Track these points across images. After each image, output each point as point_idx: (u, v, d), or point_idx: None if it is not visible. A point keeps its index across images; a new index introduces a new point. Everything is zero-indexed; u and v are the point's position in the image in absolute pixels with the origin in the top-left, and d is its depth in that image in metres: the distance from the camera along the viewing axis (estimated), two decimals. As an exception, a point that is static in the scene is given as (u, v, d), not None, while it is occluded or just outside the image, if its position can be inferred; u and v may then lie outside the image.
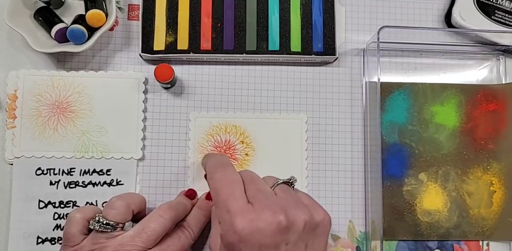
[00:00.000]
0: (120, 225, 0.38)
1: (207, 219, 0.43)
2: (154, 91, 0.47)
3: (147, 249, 0.37)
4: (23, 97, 0.45)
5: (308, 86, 0.49)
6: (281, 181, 0.36)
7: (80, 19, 0.45)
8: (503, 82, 0.50)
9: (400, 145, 0.48)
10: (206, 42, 0.47)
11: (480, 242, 0.48)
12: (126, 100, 0.46)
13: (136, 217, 0.41)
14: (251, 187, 0.34)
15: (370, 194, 0.46)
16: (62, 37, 0.44)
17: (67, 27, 0.44)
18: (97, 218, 0.37)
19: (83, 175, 0.45)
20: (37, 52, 0.44)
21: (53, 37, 0.45)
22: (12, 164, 0.45)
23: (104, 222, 0.37)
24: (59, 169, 0.45)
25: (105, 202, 0.45)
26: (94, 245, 0.37)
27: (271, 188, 0.35)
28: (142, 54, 0.46)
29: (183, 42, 0.46)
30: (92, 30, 0.45)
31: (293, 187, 0.36)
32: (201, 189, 0.46)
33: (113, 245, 0.36)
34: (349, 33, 0.50)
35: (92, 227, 0.37)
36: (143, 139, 0.46)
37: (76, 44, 0.44)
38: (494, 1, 0.50)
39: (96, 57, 0.47)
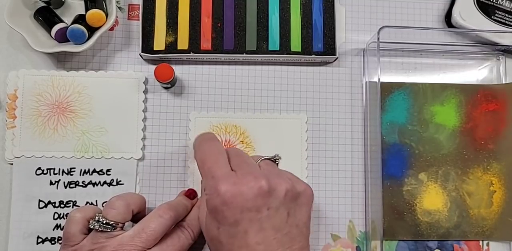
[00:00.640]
0: (120, 225, 0.38)
1: None
2: (154, 91, 0.47)
3: (147, 249, 0.37)
4: (23, 97, 0.45)
5: (308, 86, 0.49)
6: (265, 157, 0.39)
7: (80, 19, 0.45)
8: (503, 82, 0.50)
9: (400, 144, 0.48)
10: (206, 42, 0.47)
11: (480, 242, 0.48)
12: (126, 100, 0.46)
13: (136, 217, 0.41)
14: (236, 159, 0.36)
15: (370, 194, 0.46)
16: (62, 37, 0.44)
17: (67, 27, 0.44)
18: (97, 218, 0.37)
19: (83, 174, 0.45)
20: (37, 52, 0.44)
21: (53, 37, 0.45)
22: (12, 164, 0.45)
23: (104, 222, 0.37)
24: (59, 169, 0.45)
25: (105, 202, 0.45)
26: (94, 244, 0.37)
27: (256, 162, 0.38)
28: (142, 54, 0.46)
29: (183, 42, 0.46)
30: (92, 30, 0.45)
31: (277, 164, 0.39)
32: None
33: (112, 244, 0.36)
34: (349, 33, 0.50)
35: (92, 227, 0.37)
36: (143, 138, 0.46)
37: (76, 44, 0.44)
38: (494, 1, 0.50)
39: (96, 57, 0.47)
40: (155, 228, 0.37)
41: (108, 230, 0.37)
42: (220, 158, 0.36)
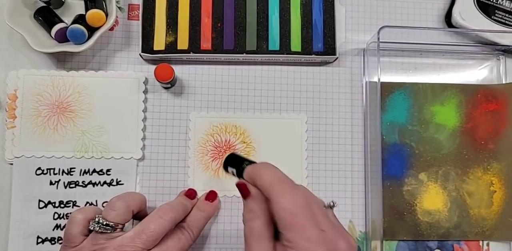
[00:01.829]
0: (120, 226, 0.38)
1: (207, 220, 0.43)
2: (154, 91, 0.47)
3: (147, 250, 0.37)
4: (23, 97, 0.45)
5: (308, 86, 0.49)
6: (329, 205, 0.36)
7: (80, 19, 0.45)
8: (503, 82, 0.50)
9: (400, 145, 0.48)
10: (206, 42, 0.47)
11: (480, 242, 0.48)
12: (126, 100, 0.46)
13: (138, 216, 0.41)
14: (317, 212, 0.33)
15: (370, 194, 0.46)
16: (62, 37, 0.44)
17: (67, 27, 0.44)
18: (97, 219, 0.37)
19: (83, 174, 0.45)
20: (37, 52, 0.44)
21: (53, 37, 0.45)
22: (12, 164, 0.45)
23: (104, 223, 0.37)
24: (59, 169, 0.45)
25: (105, 202, 0.45)
26: (94, 246, 0.37)
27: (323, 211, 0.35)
28: (142, 54, 0.46)
29: (183, 42, 0.46)
30: (92, 30, 0.45)
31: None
32: (201, 188, 0.46)
33: (112, 246, 0.36)
34: (349, 33, 0.50)
35: (92, 228, 0.37)
36: (143, 138, 0.46)
37: (76, 44, 0.44)
38: (494, 1, 0.50)
39: (96, 57, 0.47)
40: (155, 229, 0.37)
41: (108, 231, 0.37)
42: (308, 214, 0.32)
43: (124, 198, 0.40)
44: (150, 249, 0.37)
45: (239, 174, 0.36)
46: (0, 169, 0.45)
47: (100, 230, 0.37)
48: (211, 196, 0.45)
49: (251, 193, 0.34)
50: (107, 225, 0.37)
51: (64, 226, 0.44)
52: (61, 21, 0.46)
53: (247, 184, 0.35)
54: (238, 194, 0.46)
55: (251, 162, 0.36)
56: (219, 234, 0.46)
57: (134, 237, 0.37)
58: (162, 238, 0.38)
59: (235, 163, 0.37)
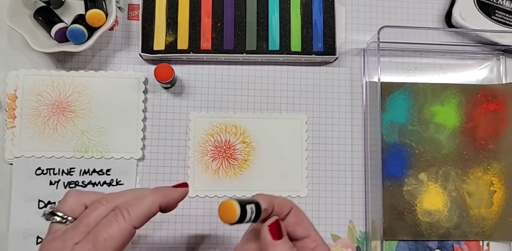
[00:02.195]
0: (70, 219, 0.33)
1: (154, 210, 0.33)
2: (154, 91, 0.47)
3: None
4: (23, 97, 0.45)
5: (308, 86, 0.49)
6: None
7: (80, 19, 0.45)
8: (503, 82, 0.50)
9: (400, 144, 0.48)
10: (206, 42, 0.47)
11: (480, 242, 0.48)
12: (126, 100, 0.46)
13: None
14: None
15: (370, 194, 0.46)
16: (62, 37, 0.44)
17: (67, 27, 0.44)
18: (48, 209, 0.34)
19: (83, 175, 0.45)
20: (37, 52, 0.44)
21: (53, 37, 0.45)
22: (12, 164, 0.45)
23: (55, 212, 0.33)
24: (59, 169, 0.45)
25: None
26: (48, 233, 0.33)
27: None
28: (142, 54, 0.46)
29: (183, 42, 0.46)
30: (92, 30, 0.45)
31: None
32: (201, 189, 0.46)
33: (50, 241, 0.31)
34: (349, 33, 0.50)
35: (46, 218, 0.33)
36: (143, 139, 0.46)
37: (76, 44, 0.44)
38: (494, 1, 0.50)
39: (96, 57, 0.47)
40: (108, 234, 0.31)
41: (58, 221, 0.33)
42: None
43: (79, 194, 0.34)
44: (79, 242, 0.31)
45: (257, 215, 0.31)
46: (0, 169, 0.45)
47: (51, 220, 0.33)
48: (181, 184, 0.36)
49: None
50: (56, 215, 0.33)
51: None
52: (61, 21, 0.46)
53: (280, 223, 0.32)
54: (238, 194, 0.46)
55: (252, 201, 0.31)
56: (219, 234, 0.46)
57: (75, 232, 0.31)
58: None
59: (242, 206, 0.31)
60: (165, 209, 0.34)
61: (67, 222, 0.33)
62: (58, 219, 0.33)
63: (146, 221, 0.32)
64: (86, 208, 0.33)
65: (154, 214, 0.33)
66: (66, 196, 0.34)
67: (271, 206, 0.32)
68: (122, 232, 0.30)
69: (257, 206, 0.31)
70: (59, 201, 0.34)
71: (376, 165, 0.45)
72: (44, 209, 0.33)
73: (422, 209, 0.47)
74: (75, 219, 0.33)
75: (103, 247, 0.30)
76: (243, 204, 0.30)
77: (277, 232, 0.31)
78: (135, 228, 0.32)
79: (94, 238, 0.30)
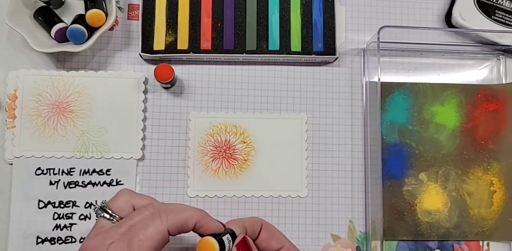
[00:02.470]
0: (117, 218, 0.34)
1: (190, 223, 0.33)
2: (154, 91, 0.47)
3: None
4: (23, 97, 0.45)
5: (308, 86, 0.49)
6: None
7: (80, 19, 0.45)
8: (503, 82, 0.50)
9: (400, 144, 0.48)
10: (206, 42, 0.47)
11: (480, 242, 0.48)
12: (126, 100, 0.46)
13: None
14: None
15: (370, 194, 0.46)
16: (62, 37, 0.44)
17: (67, 27, 0.44)
18: (101, 205, 0.35)
19: (83, 175, 0.45)
20: (37, 52, 0.44)
21: (53, 37, 0.45)
22: (11, 164, 0.45)
23: (106, 209, 0.34)
24: (59, 169, 0.45)
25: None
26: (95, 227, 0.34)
27: None
28: (142, 54, 0.46)
29: (183, 42, 0.46)
30: (92, 30, 0.45)
31: None
32: (201, 189, 0.46)
33: (94, 237, 0.32)
34: (349, 33, 0.50)
35: (96, 214, 0.34)
36: (143, 138, 0.46)
37: (76, 44, 0.44)
38: (494, 1, 0.50)
39: (96, 57, 0.47)
40: (150, 234, 0.32)
41: (106, 217, 0.34)
42: None
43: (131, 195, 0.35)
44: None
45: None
46: (0, 169, 0.45)
47: (102, 216, 0.34)
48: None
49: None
50: (107, 212, 0.34)
51: (63, 227, 0.44)
52: (61, 21, 0.46)
53: (246, 239, 0.34)
54: (238, 194, 0.46)
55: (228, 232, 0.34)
56: (219, 234, 0.46)
57: (121, 230, 0.32)
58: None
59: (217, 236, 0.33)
60: (197, 229, 0.34)
61: (114, 220, 0.34)
62: (107, 216, 0.34)
63: (180, 232, 0.33)
64: (134, 209, 0.34)
65: (188, 229, 0.33)
66: (118, 194, 0.35)
67: (244, 229, 0.34)
68: (157, 234, 0.31)
69: (232, 234, 0.33)
70: (111, 198, 0.35)
71: (376, 165, 0.45)
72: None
73: (422, 209, 0.47)
74: (121, 218, 0.34)
75: (137, 248, 0.30)
76: (219, 238, 0.32)
77: (245, 248, 0.33)
78: (169, 233, 0.32)
79: (129, 238, 0.31)
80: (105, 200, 0.35)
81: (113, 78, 0.47)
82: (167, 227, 0.32)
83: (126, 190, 0.36)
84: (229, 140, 0.47)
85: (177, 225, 0.32)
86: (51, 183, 0.45)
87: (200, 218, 0.34)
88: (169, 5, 0.47)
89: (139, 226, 0.32)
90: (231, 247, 0.33)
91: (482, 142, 0.49)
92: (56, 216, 0.44)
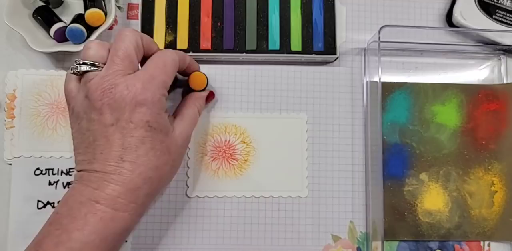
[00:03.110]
0: (102, 65, 0.36)
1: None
2: (154, 91, 0.47)
3: (132, 72, 0.35)
4: (22, 97, 0.45)
5: (308, 86, 0.48)
6: None
7: (79, 19, 0.45)
8: (504, 82, 0.50)
9: (401, 144, 0.48)
10: (205, 41, 0.46)
11: (481, 243, 0.48)
12: (126, 100, 0.46)
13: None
14: None
15: (370, 194, 0.46)
16: (61, 37, 0.44)
17: (66, 27, 0.44)
18: (75, 64, 0.36)
19: (82, 175, 0.45)
20: (36, 51, 0.44)
21: (52, 36, 0.44)
22: (10, 164, 0.45)
23: (81, 62, 0.35)
24: (58, 169, 0.45)
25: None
26: (82, 92, 0.36)
27: None
28: (141, 53, 0.46)
29: (182, 41, 0.46)
30: (91, 30, 0.45)
31: None
32: (201, 189, 0.46)
33: (95, 82, 0.34)
34: (349, 32, 0.50)
35: (73, 72, 0.36)
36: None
37: (75, 44, 0.44)
38: (495, 0, 0.50)
39: (95, 57, 0.47)
40: (124, 47, 0.35)
41: (89, 69, 0.35)
42: None
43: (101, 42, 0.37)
44: (135, 72, 0.35)
45: None
46: (-1, 169, 0.45)
47: (80, 70, 0.35)
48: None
49: None
50: (84, 64, 0.35)
51: None
52: (60, 20, 0.45)
53: None
54: (238, 194, 0.46)
55: None
56: (219, 235, 0.45)
57: (109, 64, 0.35)
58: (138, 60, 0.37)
59: None
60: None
61: (100, 68, 0.35)
62: (88, 68, 0.35)
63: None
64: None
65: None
66: (86, 46, 0.36)
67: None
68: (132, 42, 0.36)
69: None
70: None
71: (377, 165, 0.45)
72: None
73: (423, 209, 0.47)
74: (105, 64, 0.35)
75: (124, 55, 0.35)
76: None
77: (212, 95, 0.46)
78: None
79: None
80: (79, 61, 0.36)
81: (112, 78, 0.46)
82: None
83: (91, 40, 0.38)
84: (229, 140, 0.47)
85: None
86: (50, 183, 0.44)
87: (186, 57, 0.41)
88: (169, 5, 0.47)
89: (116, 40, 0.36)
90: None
91: (483, 142, 0.49)
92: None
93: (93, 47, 0.36)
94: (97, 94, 0.34)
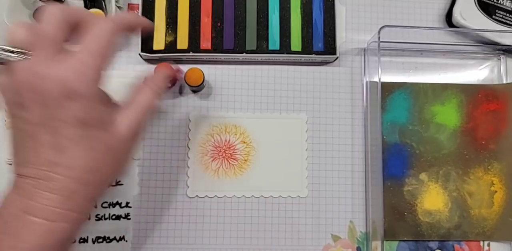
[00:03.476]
0: (27, 52, 0.30)
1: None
2: (154, 91, 0.47)
3: (60, 59, 0.29)
4: (22, 97, 0.45)
5: (308, 86, 0.48)
6: None
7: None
8: (504, 82, 0.50)
9: (401, 144, 0.48)
10: (206, 41, 0.46)
11: (481, 243, 0.48)
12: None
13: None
14: None
15: (370, 194, 0.46)
16: None
17: None
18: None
19: (82, 175, 0.45)
20: (36, 51, 0.44)
21: None
22: (11, 164, 0.44)
23: (6, 49, 0.30)
24: (58, 169, 0.45)
25: (105, 202, 0.44)
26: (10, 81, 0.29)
27: None
28: (141, 53, 0.46)
29: (182, 41, 0.46)
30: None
31: None
32: (201, 189, 0.46)
33: (20, 75, 0.28)
34: (349, 32, 0.50)
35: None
36: (143, 138, 0.46)
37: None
38: (495, 0, 0.50)
39: (95, 57, 0.47)
40: (48, 28, 0.29)
41: (12, 58, 0.30)
42: None
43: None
44: (65, 57, 0.29)
45: None
46: (0, 169, 0.45)
47: (5, 59, 0.30)
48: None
49: None
50: (7, 50, 0.30)
51: None
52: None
53: None
54: (238, 194, 0.46)
55: None
56: (219, 235, 0.45)
57: (34, 50, 0.29)
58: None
59: None
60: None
61: (24, 56, 0.30)
62: (10, 57, 0.30)
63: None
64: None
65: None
66: (10, 30, 0.30)
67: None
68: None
69: None
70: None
71: (377, 165, 0.45)
72: None
73: (422, 209, 0.47)
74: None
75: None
76: None
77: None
78: None
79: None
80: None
81: (112, 78, 0.46)
82: None
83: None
84: (229, 140, 0.47)
85: None
86: (50, 183, 0.44)
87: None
88: (169, 5, 0.47)
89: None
90: None
91: (483, 142, 0.49)
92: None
93: (18, 31, 0.29)
94: (23, 89, 0.28)
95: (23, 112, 0.29)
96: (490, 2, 0.50)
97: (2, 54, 0.29)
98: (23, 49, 0.29)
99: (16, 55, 0.29)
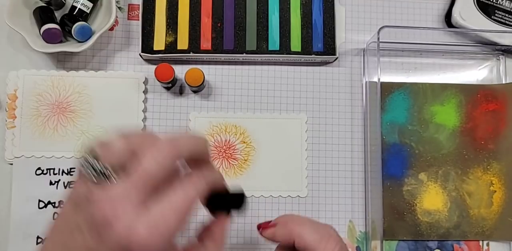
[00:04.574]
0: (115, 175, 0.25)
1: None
2: (154, 91, 0.47)
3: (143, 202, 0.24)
4: (23, 97, 0.45)
5: (308, 86, 0.49)
6: None
7: (80, 19, 0.45)
8: (503, 82, 0.50)
9: (400, 144, 0.48)
10: (206, 42, 0.47)
11: (480, 242, 0.48)
12: (126, 100, 0.46)
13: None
14: None
15: (370, 194, 0.46)
16: (49, 37, 0.44)
17: (56, 28, 0.43)
18: (84, 161, 0.25)
19: (83, 175, 0.45)
20: (37, 52, 0.44)
21: (41, 36, 0.44)
22: (12, 164, 0.45)
23: (94, 163, 0.25)
24: (59, 169, 0.45)
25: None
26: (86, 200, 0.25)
27: None
28: (142, 54, 0.46)
29: (183, 42, 0.46)
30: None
31: None
32: (201, 189, 0.46)
33: (99, 204, 0.24)
34: (349, 33, 0.50)
35: (83, 173, 0.25)
36: None
37: (79, 42, 0.44)
38: (494, 1, 0.50)
39: (96, 57, 0.47)
40: (153, 168, 0.24)
41: (100, 178, 0.24)
42: None
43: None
44: (146, 202, 0.24)
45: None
46: (0, 169, 0.45)
47: (91, 177, 0.24)
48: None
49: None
50: (97, 170, 0.25)
51: None
52: (54, 21, 0.44)
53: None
54: (238, 194, 0.46)
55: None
56: (219, 234, 0.46)
57: (125, 182, 0.24)
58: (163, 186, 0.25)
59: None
60: None
61: (112, 179, 0.25)
62: (98, 177, 0.25)
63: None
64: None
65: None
66: (106, 142, 0.26)
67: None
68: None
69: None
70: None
71: (376, 165, 0.45)
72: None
73: (422, 209, 0.47)
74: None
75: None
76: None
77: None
78: None
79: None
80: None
81: (113, 78, 0.47)
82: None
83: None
84: (229, 140, 0.47)
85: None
86: (51, 183, 0.45)
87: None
88: (169, 5, 0.47)
89: None
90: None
91: (482, 142, 0.49)
92: (56, 216, 0.44)
93: (117, 145, 0.25)
94: (92, 218, 0.24)
95: (76, 231, 0.25)
96: (489, 3, 0.50)
97: (92, 171, 0.24)
98: (111, 168, 0.25)
99: (99, 175, 0.25)
